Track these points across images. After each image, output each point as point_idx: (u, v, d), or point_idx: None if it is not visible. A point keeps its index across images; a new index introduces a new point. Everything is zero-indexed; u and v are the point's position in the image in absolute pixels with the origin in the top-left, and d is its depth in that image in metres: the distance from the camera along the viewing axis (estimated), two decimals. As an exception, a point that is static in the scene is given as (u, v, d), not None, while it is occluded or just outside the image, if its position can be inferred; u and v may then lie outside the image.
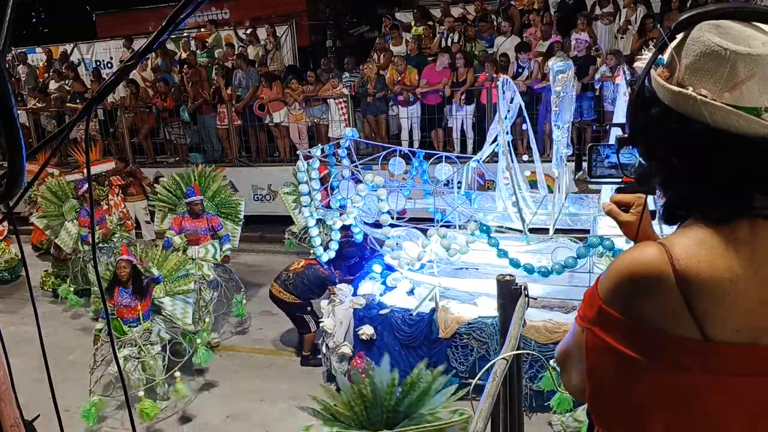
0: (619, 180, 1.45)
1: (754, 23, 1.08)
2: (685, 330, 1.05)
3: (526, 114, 7.08)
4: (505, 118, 6.24)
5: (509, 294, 2.34)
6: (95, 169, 9.85)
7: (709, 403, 1.08)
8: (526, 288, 2.35)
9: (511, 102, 6.52)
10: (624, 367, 1.10)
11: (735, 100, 1.04)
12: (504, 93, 6.17)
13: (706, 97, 1.04)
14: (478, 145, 9.84)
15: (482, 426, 1.55)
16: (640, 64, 1.17)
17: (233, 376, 6.67)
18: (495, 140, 6.67)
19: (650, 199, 1.34)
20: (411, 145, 10.01)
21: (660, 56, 1.13)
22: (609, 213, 1.42)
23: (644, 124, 1.15)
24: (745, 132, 1.03)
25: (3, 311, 8.52)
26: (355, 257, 7.08)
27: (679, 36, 1.12)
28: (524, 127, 7.76)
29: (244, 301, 7.62)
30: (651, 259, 1.07)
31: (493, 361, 1.85)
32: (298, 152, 6.74)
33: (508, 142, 6.17)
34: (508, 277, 2.37)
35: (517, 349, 2.05)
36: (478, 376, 1.89)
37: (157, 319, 6.20)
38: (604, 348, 1.12)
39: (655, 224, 1.35)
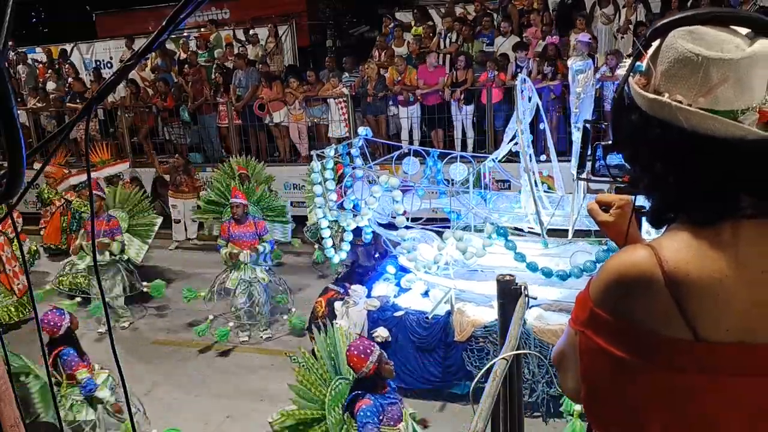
0: (620, 180, 1.46)
1: (730, 27, 1.09)
2: (677, 331, 1.06)
3: (543, 114, 7.05)
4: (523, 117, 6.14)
5: (509, 294, 2.34)
6: (111, 170, 9.87)
7: (706, 403, 1.08)
8: (526, 288, 2.35)
9: (529, 101, 6.47)
10: (618, 369, 1.11)
11: (711, 104, 1.05)
12: (522, 92, 6.11)
13: (681, 103, 1.06)
14: (479, 145, 9.86)
15: (482, 426, 1.56)
16: (621, 72, 1.19)
17: (233, 376, 6.67)
18: (512, 139, 6.62)
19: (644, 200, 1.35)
20: (411, 145, 10.01)
21: (639, 63, 1.15)
22: (589, 212, 1.43)
23: (626, 130, 1.18)
24: (722, 135, 1.04)
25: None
26: (364, 276, 7.01)
27: (656, 43, 1.13)
28: (541, 126, 7.72)
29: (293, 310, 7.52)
30: (640, 261, 1.08)
31: (492, 362, 1.85)
32: (312, 152, 6.67)
33: (528, 142, 6.09)
34: (507, 277, 2.37)
35: (517, 349, 2.05)
36: (477, 377, 1.89)
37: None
38: (597, 350, 1.13)
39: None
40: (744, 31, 1.08)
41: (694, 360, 1.06)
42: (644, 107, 1.12)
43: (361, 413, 3.87)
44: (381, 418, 3.94)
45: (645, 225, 1.34)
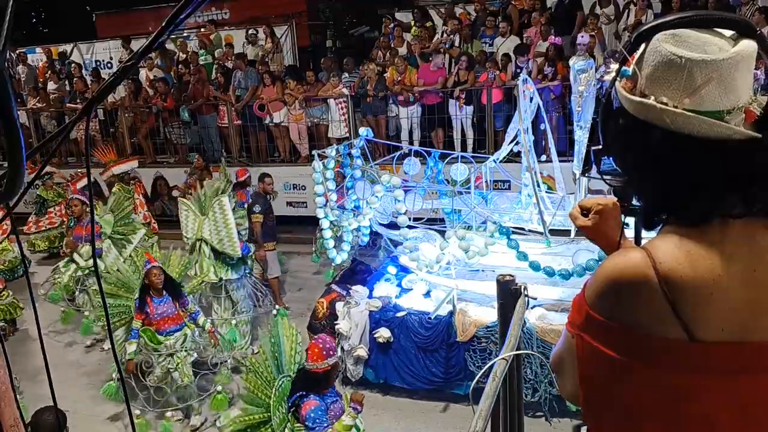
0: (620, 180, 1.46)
1: (713, 29, 1.10)
2: (672, 332, 1.06)
3: (544, 114, 7.05)
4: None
5: (509, 294, 2.34)
6: (119, 169, 9.86)
7: (702, 402, 1.09)
8: (526, 288, 2.35)
9: (530, 101, 6.45)
10: (614, 371, 1.12)
11: (696, 105, 1.06)
12: (524, 92, 6.10)
13: (667, 105, 1.07)
14: (478, 145, 9.86)
15: (482, 426, 1.55)
16: (608, 77, 1.20)
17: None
18: (513, 140, 6.62)
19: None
20: (411, 145, 10.00)
21: (625, 68, 1.16)
22: (570, 216, 1.45)
23: (615, 133, 1.19)
24: (708, 135, 1.05)
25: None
26: (366, 274, 7.01)
27: (641, 47, 1.14)
28: (542, 127, 7.70)
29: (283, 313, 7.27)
30: (635, 264, 1.09)
31: (492, 362, 1.85)
32: (313, 153, 6.66)
33: (530, 142, 6.08)
34: (507, 277, 2.37)
35: (518, 349, 2.05)
36: (476, 377, 1.89)
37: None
38: (593, 353, 1.14)
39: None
40: (728, 33, 1.09)
41: (690, 360, 1.07)
42: (631, 110, 1.13)
43: (312, 414, 3.84)
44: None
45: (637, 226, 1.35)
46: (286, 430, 4.04)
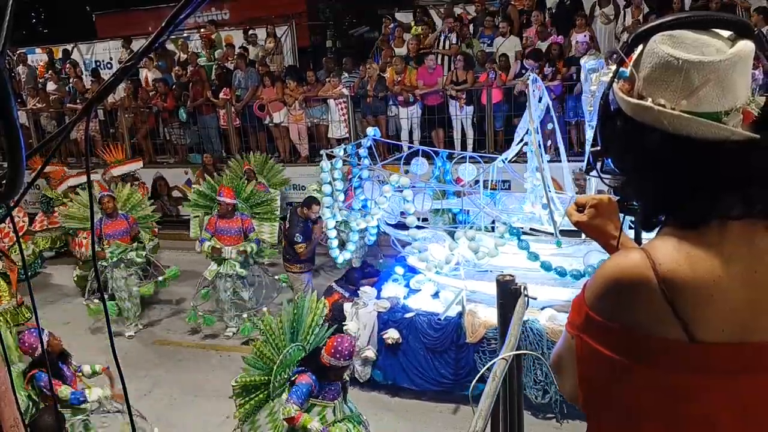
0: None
1: (711, 30, 1.10)
2: (672, 333, 1.06)
3: (553, 114, 7.03)
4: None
5: (509, 294, 2.34)
6: (123, 169, 9.89)
7: (702, 402, 1.09)
8: (525, 288, 2.35)
9: (539, 101, 6.43)
10: (614, 372, 1.12)
11: (693, 106, 1.06)
12: (534, 92, 6.08)
13: (664, 106, 1.07)
14: (479, 145, 9.86)
15: (482, 426, 1.55)
16: (605, 79, 1.20)
17: (233, 376, 6.66)
18: (522, 139, 6.61)
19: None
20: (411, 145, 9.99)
21: (623, 69, 1.16)
22: (566, 213, 1.46)
23: (613, 135, 1.19)
24: (706, 137, 1.05)
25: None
26: (373, 276, 7.01)
27: (638, 49, 1.14)
28: (549, 126, 7.71)
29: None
30: (635, 265, 1.09)
31: (492, 362, 1.85)
32: (321, 152, 6.67)
33: (539, 142, 6.07)
34: (507, 277, 2.37)
35: (524, 348, 2.05)
36: (476, 378, 1.89)
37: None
38: (593, 354, 1.14)
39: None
40: (726, 33, 1.09)
41: (690, 360, 1.07)
42: (629, 112, 1.13)
43: (297, 387, 4.08)
44: (317, 395, 4.15)
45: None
46: (280, 397, 4.25)
